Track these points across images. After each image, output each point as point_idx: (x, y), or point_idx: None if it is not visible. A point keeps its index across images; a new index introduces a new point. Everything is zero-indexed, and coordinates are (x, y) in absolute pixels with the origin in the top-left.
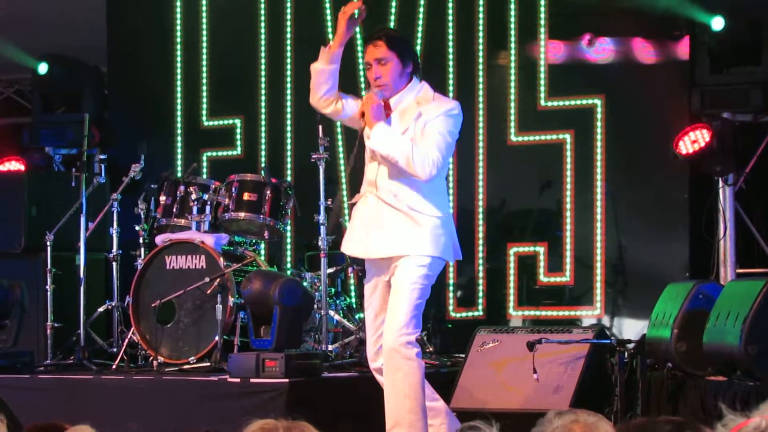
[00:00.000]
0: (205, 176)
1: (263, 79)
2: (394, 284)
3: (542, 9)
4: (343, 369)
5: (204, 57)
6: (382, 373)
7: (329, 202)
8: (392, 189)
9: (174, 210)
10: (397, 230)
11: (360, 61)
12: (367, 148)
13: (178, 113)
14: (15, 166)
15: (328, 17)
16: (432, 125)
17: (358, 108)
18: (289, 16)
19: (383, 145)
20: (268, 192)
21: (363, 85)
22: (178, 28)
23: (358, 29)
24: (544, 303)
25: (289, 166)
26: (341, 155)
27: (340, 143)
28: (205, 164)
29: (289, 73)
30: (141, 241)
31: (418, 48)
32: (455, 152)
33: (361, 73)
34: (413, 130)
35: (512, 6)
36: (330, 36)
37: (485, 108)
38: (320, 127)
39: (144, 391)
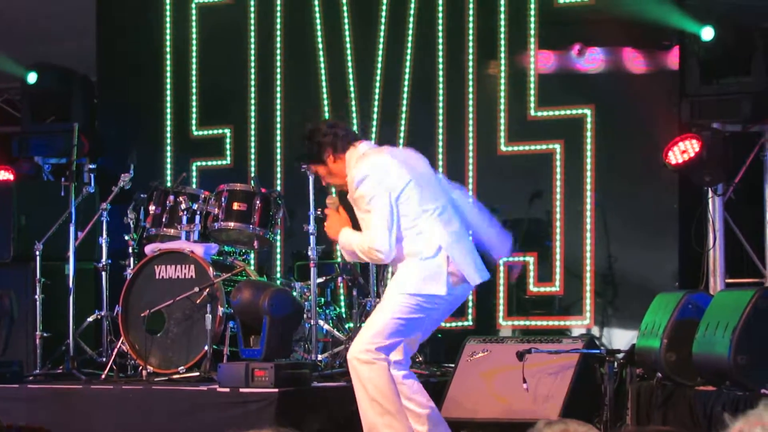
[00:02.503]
0: (194, 186)
1: (253, 89)
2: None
3: (532, 19)
4: (332, 379)
5: (194, 67)
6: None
7: (319, 212)
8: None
9: (163, 219)
10: (396, 276)
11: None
12: None
13: (168, 123)
14: (4, 175)
15: (318, 27)
16: (358, 208)
17: None
18: (278, 27)
19: (349, 258)
20: (258, 202)
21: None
22: (168, 37)
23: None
24: (534, 313)
25: (278, 175)
26: None
27: None
28: (194, 174)
29: (278, 83)
30: (130, 250)
31: (408, 60)
32: (444, 160)
33: (350, 78)
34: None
35: (502, 16)
36: (320, 45)
37: (475, 118)
38: None
39: (133, 400)
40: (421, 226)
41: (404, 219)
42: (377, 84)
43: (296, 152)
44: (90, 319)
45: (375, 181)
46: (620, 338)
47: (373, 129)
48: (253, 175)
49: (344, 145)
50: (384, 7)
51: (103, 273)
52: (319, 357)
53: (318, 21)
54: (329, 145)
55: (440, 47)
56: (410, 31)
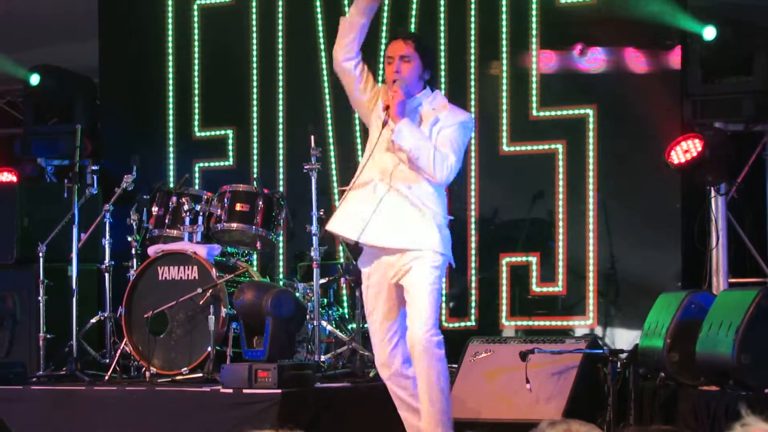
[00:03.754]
0: (197, 187)
1: (255, 90)
2: (409, 286)
3: (534, 19)
4: (335, 379)
5: (196, 68)
6: (399, 381)
7: (321, 213)
8: (408, 182)
9: (166, 221)
10: (411, 223)
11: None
12: (378, 138)
13: (170, 124)
14: (7, 177)
15: (320, 28)
16: (447, 133)
17: (371, 90)
18: (281, 27)
19: (408, 141)
20: (261, 203)
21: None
22: (170, 38)
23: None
24: (537, 313)
25: (281, 176)
26: (333, 166)
27: (332, 154)
28: (197, 175)
29: (281, 83)
30: (133, 252)
31: None
32: None
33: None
34: (429, 133)
35: (504, 16)
36: (322, 46)
37: (477, 118)
38: (312, 137)
39: (136, 402)
40: (444, 192)
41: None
42: (379, 83)
43: (299, 152)
44: (93, 320)
45: (470, 134)
46: (623, 338)
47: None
48: (255, 176)
49: (435, 83)
50: (386, 8)
51: (106, 274)
52: (322, 358)
53: (320, 22)
54: (433, 67)
55: (442, 47)
56: (412, 31)
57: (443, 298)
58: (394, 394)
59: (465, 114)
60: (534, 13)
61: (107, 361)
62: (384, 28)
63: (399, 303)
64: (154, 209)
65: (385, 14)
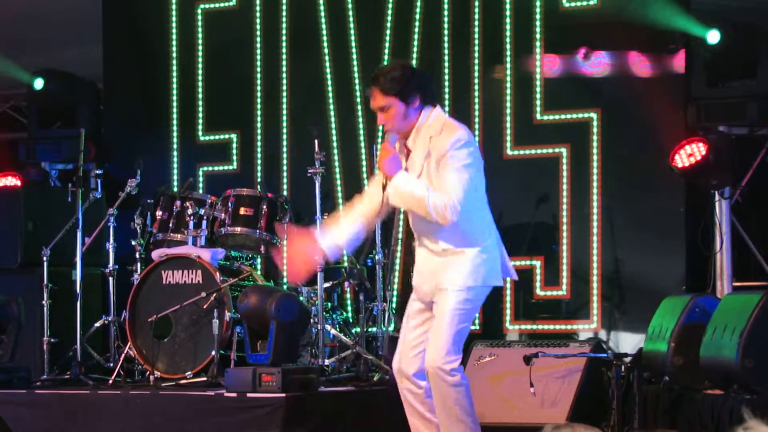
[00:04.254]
0: (201, 191)
1: (259, 94)
2: (436, 314)
3: (538, 23)
4: (339, 383)
5: (200, 72)
6: (410, 387)
7: (325, 216)
8: (429, 234)
9: (170, 225)
10: (436, 272)
11: (355, 70)
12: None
13: (174, 128)
14: (11, 181)
15: (324, 32)
16: (445, 165)
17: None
18: (284, 32)
19: (401, 201)
20: (265, 207)
21: (358, 95)
22: (174, 43)
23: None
24: (541, 317)
25: (285, 180)
26: (337, 170)
27: (335, 158)
28: (201, 179)
29: (284, 88)
30: (137, 256)
31: (414, 62)
32: None
33: (356, 82)
34: (426, 169)
35: (508, 20)
36: (325, 50)
37: (481, 122)
38: (316, 141)
39: (141, 406)
40: (483, 210)
41: (475, 198)
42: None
43: (303, 156)
44: (97, 324)
45: (471, 148)
46: (627, 342)
47: (379, 134)
48: (259, 180)
49: (433, 99)
50: (390, 12)
51: (110, 278)
52: (326, 362)
53: (324, 26)
54: (420, 90)
55: (446, 51)
56: (416, 36)
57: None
58: (405, 399)
59: (455, 132)
60: (538, 17)
61: (111, 365)
62: (388, 32)
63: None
64: (158, 213)
65: (389, 19)
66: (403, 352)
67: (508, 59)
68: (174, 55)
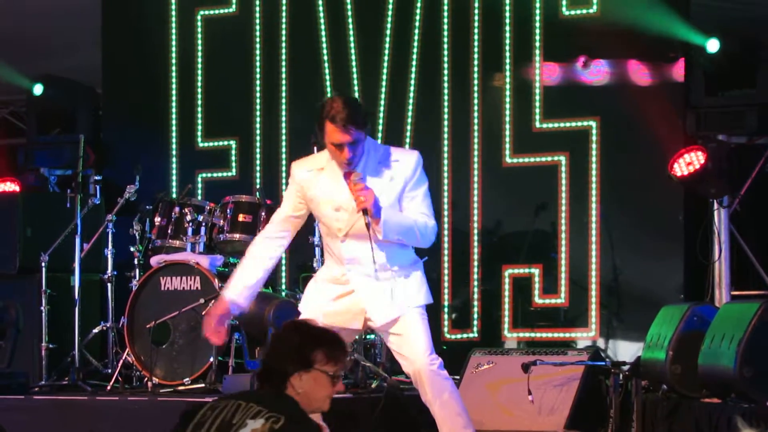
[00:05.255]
0: (200, 197)
1: (258, 101)
2: (401, 330)
3: (537, 31)
4: None
5: (199, 78)
6: None
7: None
8: (380, 261)
9: (169, 231)
10: (395, 292)
11: (354, 77)
12: (335, 222)
13: (173, 134)
14: (10, 186)
15: (323, 39)
16: (415, 191)
17: (302, 207)
18: (284, 38)
19: (393, 235)
20: (263, 213)
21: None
22: (173, 49)
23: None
24: (539, 325)
25: (284, 187)
26: None
27: None
28: (200, 185)
29: (284, 94)
30: (136, 262)
31: (413, 72)
32: (450, 172)
33: (355, 89)
34: (388, 195)
35: (507, 28)
36: (325, 57)
37: (480, 130)
38: (315, 148)
39: (139, 412)
40: None
41: None
42: (383, 95)
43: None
44: (95, 330)
45: (423, 169)
46: (625, 350)
47: (379, 140)
48: (258, 186)
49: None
50: (389, 20)
51: (109, 284)
52: None
53: (323, 33)
54: (367, 121)
55: (445, 59)
56: (415, 43)
57: (446, 310)
58: None
59: (412, 156)
60: (537, 25)
61: (109, 371)
62: (388, 39)
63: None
64: (157, 219)
65: (389, 26)
66: None
67: (508, 67)
68: (173, 61)
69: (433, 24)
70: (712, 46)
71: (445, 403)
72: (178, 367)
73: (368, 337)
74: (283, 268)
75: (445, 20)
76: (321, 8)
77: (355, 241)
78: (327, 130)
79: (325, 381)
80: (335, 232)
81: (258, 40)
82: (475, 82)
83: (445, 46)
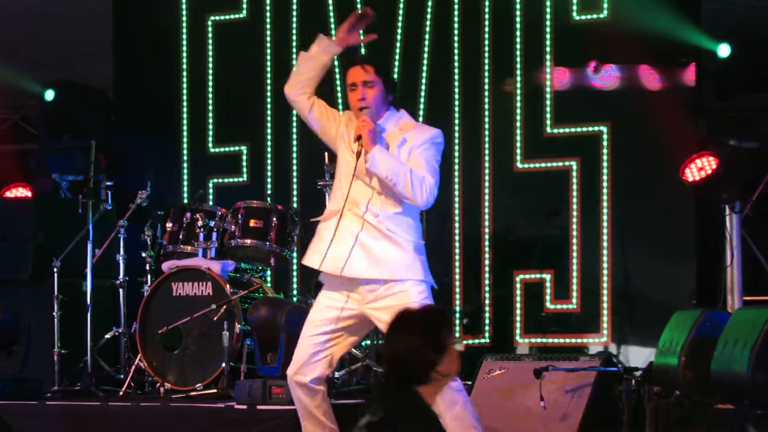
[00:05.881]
0: (211, 203)
1: (269, 106)
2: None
3: (548, 36)
4: (349, 396)
5: (210, 84)
6: (307, 391)
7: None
8: (380, 212)
9: (180, 237)
10: (389, 254)
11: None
12: (346, 167)
13: (185, 140)
14: (22, 192)
15: None
16: (419, 152)
17: (326, 117)
18: (294, 42)
19: (383, 168)
20: (275, 219)
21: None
22: (184, 54)
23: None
24: (551, 330)
25: (295, 192)
26: None
27: None
28: (211, 191)
29: None
30: (147, 267)
31: (424, 75)
32: (461, 177)
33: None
34: (398, 155)
35: (518, 32)
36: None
37: (491, 135)
38: (326, 153)
39: (151, 417)
40: (417, 214)
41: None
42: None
43: (312, 168)
44: (108, 336)
45: (441, 150)
46: (638, 356)
47: None
48: (269, 192)
49: (396, 103)
50: (399, 25)
51: (121, 290)
52: (336, 374)
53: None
54: (395, 90)
55: (456, 64)
56: (426, 49)
57: (457, 315)
58: (301, 405)
59: (433, 130)
60: (548, 30)
61: (122, 376)
62: (398, 45)
63: (350, 330)
64: (169, 225)
65: (399, 32)
66: (302, 360)
67: (519, 72)
68: (184, 66)
69: (443, 29)
70: (724, 50)
71: (457, 416)
72: (190, 373)
73: (380, 342)
74: (294, 273)
75: (456, 25)
76: (332, 13)
77: (361, 185)
78: (347, 74)
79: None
80: (344, 172)
81: (269, 45)
82: (486, 87)
83: (456, 51)
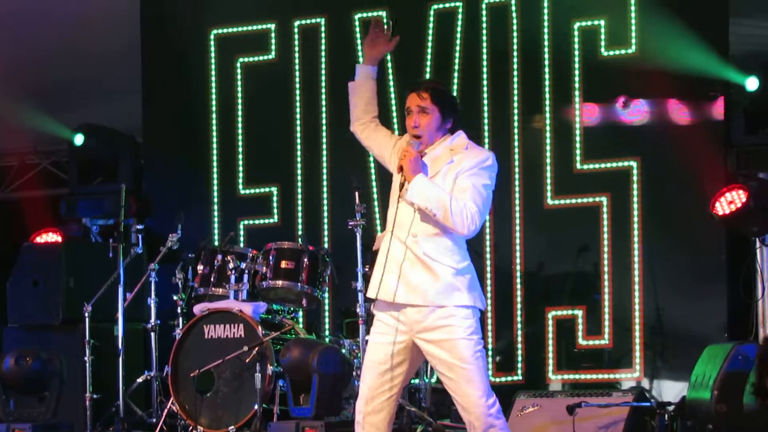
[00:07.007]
0: (242, 245)
1: (299, 147)
2: (447, 353)
3: (577, 71)
4: None
5: (239, 125)
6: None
7: (367, 269)
8: (414, 231)
9: (212, 279)
10: (415, 278)
11: (394, 121)
12: (393, 192)
13: (215, 182)
14: (52, 237)
15: None
16: (466, 176)
17: (377, 144)
18: (323, 84)
19: (422, 199)
20: (306, 260)
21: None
22: (213, 96)
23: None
24: (584, 366)
25: (326, 233)
26: (378, 221)
27: (376, 210)
28: (242, 233)
29: (324, 140)
30: (179, 310)
31: None
32: (491, 214)
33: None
34: (443, 175)
35: (546, 69)
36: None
37: (521, 171)
38: (357, 193)
39: None
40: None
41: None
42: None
43: (343, 208)
44: (140, 379)
45: (494, 173)
46: (670, 390)
47: None
48: (300, 233)
49: (457, 128)
50: (428, 63)
51: (152, 333)
52: None
53: None
54: (455, 115)
55: (485, 101)
56: (455, 86)
57: (490, 353)
58: None
59: (484, 153)
60: (577, 66)
61: (154, 420)
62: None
63: (410, 360)
64: (200, 268)
65: (428, 70)
66: (369, 398)
67: (547, 108)
68: (213, 108)
69: (472, 66)
70: (752, 84)
71: None
72: (222, 415)
73: (412, 381)
74: (326, 313)
75: (485, 62)
76: (360, 54)
77: (407, 207)
78: (406, 99)
79: None
80: (392, 198)
81: (298, 86)
82: (515, 123)
83: (485, 87)
